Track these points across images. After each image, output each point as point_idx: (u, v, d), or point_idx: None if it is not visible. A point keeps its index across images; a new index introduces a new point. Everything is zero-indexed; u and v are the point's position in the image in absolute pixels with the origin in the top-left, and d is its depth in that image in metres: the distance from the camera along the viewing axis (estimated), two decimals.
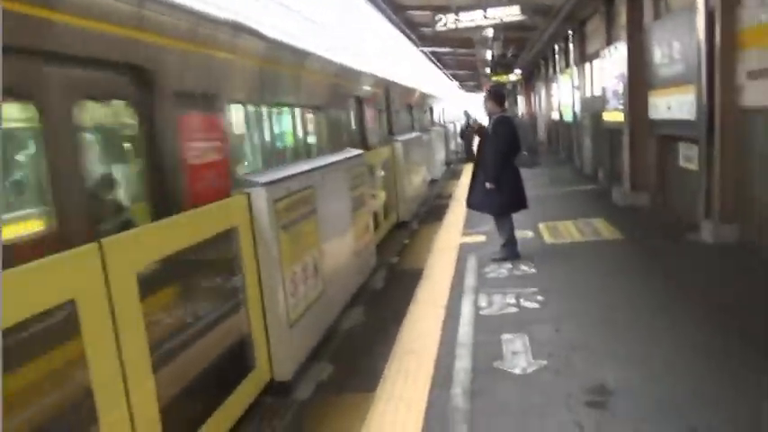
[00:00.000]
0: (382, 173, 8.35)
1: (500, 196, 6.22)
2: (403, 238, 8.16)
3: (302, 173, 4.20)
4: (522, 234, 6.48)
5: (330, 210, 4.82)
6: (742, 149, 5.80)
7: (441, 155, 16.52)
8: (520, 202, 6.37)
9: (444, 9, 8.81)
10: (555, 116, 18.91)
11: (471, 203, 6.52)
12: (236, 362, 3.41)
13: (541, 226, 7.77)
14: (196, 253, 3.04)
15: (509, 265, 6.09)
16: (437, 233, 8.21)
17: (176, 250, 2.79)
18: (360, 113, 8.08)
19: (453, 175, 16.31)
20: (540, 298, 4.94)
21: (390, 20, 14.61)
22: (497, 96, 6.53)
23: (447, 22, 8.54)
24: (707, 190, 6.24)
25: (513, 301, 4.94)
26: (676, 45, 6.90)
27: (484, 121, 6.92)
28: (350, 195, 5.54)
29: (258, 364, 3.52)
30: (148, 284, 2.58)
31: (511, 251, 6.35)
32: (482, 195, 6.33)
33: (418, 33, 17.94)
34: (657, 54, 7.53)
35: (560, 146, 18.67)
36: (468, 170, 17.11)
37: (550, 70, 20.75)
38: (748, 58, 5.54)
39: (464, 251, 6.96)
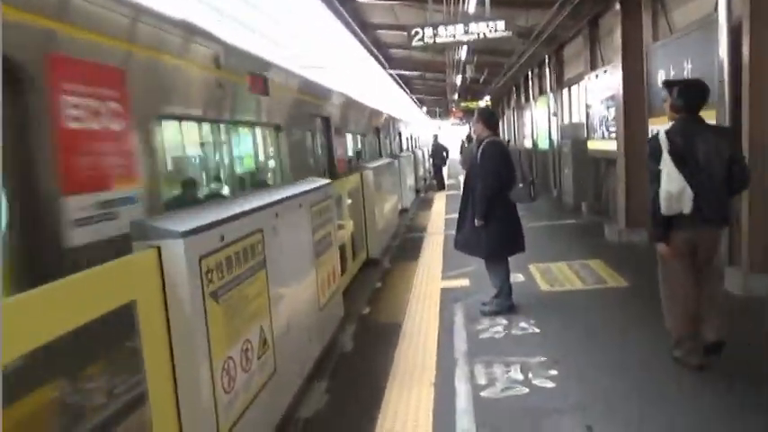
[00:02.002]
0: (350, 203, 7.26)
1: (491, 236, 5.21)
2: (374, 280, 7.04)
3: (246, 212, 3.07)
4: (512, 277, 5.48)
5: (286, 259, 3.69)
6: None
7: (411, 182, 15.55)
8: (515, 244, 5.36)
9: (420, 25, 7.87)
10: (528, 144, 18.26)
11: (458, 243, 5.48)
12: None
13: (532, 268, 6.78)
14: (57, 352, 1.87)
15: (504, 321, 5.05)
16: (413, 274, 7.13)
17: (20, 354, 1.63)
18: (326, 136, 7.02)
19: (424, 203, 15.33)
20: (552, 372, 3.88)
21: (359, 39, 13.70)
22: (488, 117, 5.56)
23: (424, 36, 7.58)
24: (730, 232, 5.36)
25: (519, 376, 3.86)
26: (688, 66, 6.10)
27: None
28: (312, 237, 4.42)
29: None
30: None
31: (505, 303, 5.32)
32: (470, 234, 5.31)
33: (387, 55, 17.14)
34: (662, 77, 6.74)
35: (534, 175, 17.98)
36: (440, 197, 16.22)
37: (522, 97, 20.22)
38: None
39: (448, 299, 5.89)
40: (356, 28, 12.45)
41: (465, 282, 6.49)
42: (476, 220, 5.19)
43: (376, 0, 10.97)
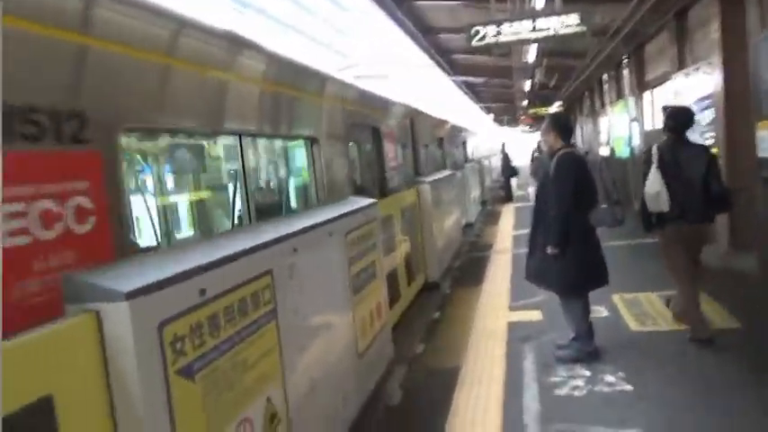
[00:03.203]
0: (406, 221, 6.51)
1: (567, 267, 4.31)
2: (432, 309, 6.26)
3: (245, 251, 2.37)
4: (593, 312, 4.55)
5: (308, 303, 2.99)
6: None
7: (476, 193, 14.63)
8: (596, 277, 4.44)
9: (481, 23, 7.05)
10: (604, 152, 16.88)
11: (529, 273, 4.61)
12: None
13: (616, 299, 5.77)
14: None
15: (585, 372, 4.13)
16: (476, 303, 6.28)
17: None
18: (377, 148, 6.32)
19: (491, 217, 14.34)
20: None
21: (419, 44, 13.00)
22: (561, 125, 4.67)
23: (486, 35, 6.77)
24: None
25: None
26: None
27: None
28: (349, 271, 3.70)
29: None
30: None
31: (585, 347, 4.39)
32: (542, 263, 4.43)
33: (450, 60, 16.33)
34: None
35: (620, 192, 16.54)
36: (507, 210, 15.18)
37: (597, 102, 18.85)
38: None
39: (516, 337, 5.01)
40: (416, 32, 11.75)
41: (536, 315, 5.58)
42: (548, 248, 4.31)
43: (434, 1, 10.22)
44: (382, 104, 6.74)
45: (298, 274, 2.89)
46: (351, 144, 5.39)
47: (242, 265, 2.33)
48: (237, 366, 2.26)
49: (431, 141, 10.21)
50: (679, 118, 4.70)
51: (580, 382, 3.96)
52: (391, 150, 6.81)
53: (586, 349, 4.38)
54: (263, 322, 2.49)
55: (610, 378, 3.98)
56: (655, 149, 4.63)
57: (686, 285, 4.63)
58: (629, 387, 3.82)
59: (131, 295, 1.70)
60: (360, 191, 5.31)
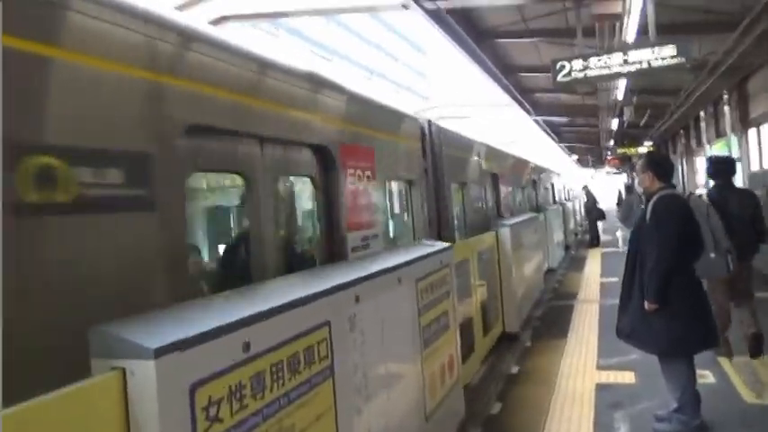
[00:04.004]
0: (482, 267, 6.12)
1: (669, 326, 3.77)
2: (509, 363, 5.76)
3: (300, 300, 2.13)
4: (698, 377, 3.93)
5: (371, 357, 2.70)
6: None
7: (559, 237, 13.88)
8: (703, 338, 3.85)
9: (567, 58, 6.68)
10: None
11: (622, 330, 4.08)
12: None
13: (725, 363, 5.05)
14: None
15: None
16: (560, 359, 5.72)
17: None
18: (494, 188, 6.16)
19: (575, 263, 13.52)
20: None
21: (500, 83, 12.72)
22: (659, 164, 4.19)
23: (572, 70, 6.38)
24: None
25: None
26: None
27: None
28: (419, 321, 3.38)
29: None
30: None
31: (691, 422, 3.78)
32: (638, 321, 3.90)
33: (531, 100, 15.91)
34: None
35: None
36: (594, 256, 14.26)
37: (693, 141, 17.68)
38: None
39: (605, 404, 4.44)
40: (496, 71, 11.49)
41: (630, 377, 4.97)
42: (647, 303, 3.79)
43: (516, 39, 9.95)
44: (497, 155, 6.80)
45: (359, 326, 2.61)
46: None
47: (294, 317, 2.09)
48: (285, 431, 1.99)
49: (512, 183, 9.82)
50: (723, 168, 5.49)
51: None
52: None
53: (692, 423, 3.76)
54: (317, 381, 2.22)
55: None
56: (705, 197, 5.07)
57: (724, 315, 5.10)
58: None
59: (160, 352, 1.49)
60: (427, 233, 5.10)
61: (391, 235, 5.03)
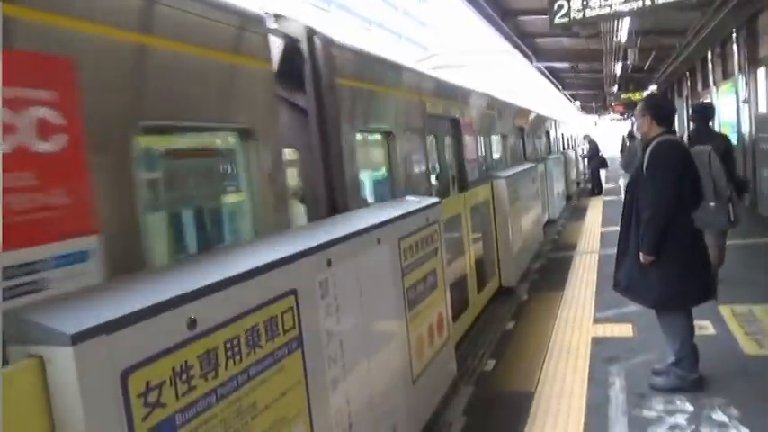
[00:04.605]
0: (477, 221, 5.94)
1: (666, 278, 3.61)
2: (505, 317, 5.66)
3: (258, 269, 1.96)
4: (697, 329, 3.79)
5: (348, 324, 2.55)
6: None
7: (560, 187, 13.64)
8: (701, 290, 3.69)
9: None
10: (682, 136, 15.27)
11: (619, 283, 3.93)
12: None
13: (726, 313, 4.93)
14: None
15: (689, 406, 3.44)
16: (556, 312, 5.62)
17: None
18: (454, 139, 5.83)
19: (576, 213, 13.34)
20: None
21: (498, 28, 12.22)
22: (658, 107, 3.95)
23: (570, 9, 6.03)
24: None
25: None
26: None
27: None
28: (402, 283, 3.23)
29: None
30: None
31: (688, 375, 3.67)
32: (635, 273, 3.75)
33: (532, 46, 15.37)
34: None
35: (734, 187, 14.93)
36: (595, 205, 14.06)
37: (699, 83, 17.17)
38: None
39: (600, 357, 4.35)
40: (494, 15, 11.02)
41: (626, 329, 4.86)
42: (642, 255, 3.63)
43: None
44: (460, 94, 6.22)
45: (332, 292, 2.46)
46: (429, 137, 4.99)
47: (252, 287, 1.92)
48: (245, 411, 1.86)
49: (511, 132, 9.53)
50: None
51: (681, 420, 3.28)
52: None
53: (689, 377, 3.65)
54: (282, 354, 2.08)
55: (720, 416, 3.26)
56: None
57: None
58: (744, 430, 3.10)
59: (79, 337, 1.32)
60: (424, 189, 4.85)
61: None
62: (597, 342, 4.68)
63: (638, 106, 4.05)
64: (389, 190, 4.37)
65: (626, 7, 5.97)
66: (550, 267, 7.79)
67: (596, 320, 5.21)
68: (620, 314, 5.16)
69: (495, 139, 8.27)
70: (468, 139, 6.17)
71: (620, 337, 4.71)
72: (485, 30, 12.94)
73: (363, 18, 46.26)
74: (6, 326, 1.38)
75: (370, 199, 4.36)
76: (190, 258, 2.24)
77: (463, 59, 20.84)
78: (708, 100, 14.96)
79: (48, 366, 1.33)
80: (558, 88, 25.12)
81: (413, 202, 3.73)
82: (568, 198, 15.52)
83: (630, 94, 21.67)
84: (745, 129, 11.24)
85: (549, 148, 15.01)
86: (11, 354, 1.37)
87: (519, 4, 11.46)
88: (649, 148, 3.76)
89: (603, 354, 4.40)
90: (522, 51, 15.37)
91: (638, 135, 4.23)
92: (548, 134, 15.13)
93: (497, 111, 8.19)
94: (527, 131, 11.27)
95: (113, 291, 1.61)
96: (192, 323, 1.64)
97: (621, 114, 35.14)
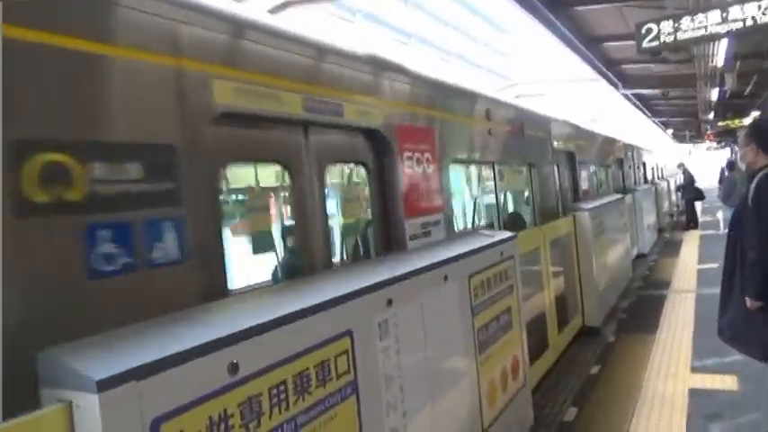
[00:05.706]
0: (558, 255, 5.59)
1: None
2: (589, 361, 5.22)
3: (304, 311, 1.82)
4: None
5: (410, 368, 2.36)
6: None
7: (650, 220, 12.79)
8: None
9: (654, 20, 5.93)
10: None
11: (723, 330, 3.48)
12: None
13: None
14: None
15: None
16: (647, 358, 5.11)
17: None
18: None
19: (668, 247, 12.43)
20: None
21: (581, 55, 11.81)
22: (766, 135, 3.51)
23: (660, 32, 5.65)
24: None
25: None
26: None
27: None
28: (472, 323, 3.00)
29: None
30: None
31: None
32: (739, 320, 3.30)
33: (618, 72, 14.74)
34: None
35: None
36: (690, 239, 13.04)
37: None
38: None
39: (699, 412, 3.87)
40: (576, 42, 10.65)
41: (730, 382, 4.32)
42: (747, 300, 3.19)
43: (595, 5, 9.10)
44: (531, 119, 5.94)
45: (393, 333, 2.29)
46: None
47: (300, 329, 1.79)
48: None
49: (597, 162, 9.07)
50: None
51: None
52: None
53: None
54: (334, 401, 1.92)
55: None
56: None
57: None
58: None
59: (106, 384, 1.24)
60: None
61: None
62: (695, 394, 4.17)
63: (742, 134, 3.64)
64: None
65: (723, 28, 5.51)
66: (641, 306, 7.19)
67: (694, 369, 4.68)
68: (723, 364, 4.61)
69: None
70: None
71: (722, 390, 4.19)
72: (569, 57, 12.54)
73: (441, 49, 46.64)
74: (42, 368, 1.32)
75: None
76: (236, 298, 2.12)
77: (546, 88, 20.34)
78: None
79: (75, 413, 1.25)
80: (648, 116, 23.97)
81: (485, 237, 3.51)
82: (660, 231, 14.53)
83: (729, 122, 20.24)
84: None
85: (639, 178, 14.19)
86: (43, 397, 1.31)
87: (604, 30, 11.03)
88: (755, 181, 3.34)
89: (703, 409, 3.90)
90: (607, 78, 14.79)
91: (741, 165, 3.78)
92: (637, 164, 14.33)
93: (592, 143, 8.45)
94: (611, 162, 10.71)
95: (154, 331, 1.52)
96: (234, 368, 1.53)
97: (718, 143, 32.96)
